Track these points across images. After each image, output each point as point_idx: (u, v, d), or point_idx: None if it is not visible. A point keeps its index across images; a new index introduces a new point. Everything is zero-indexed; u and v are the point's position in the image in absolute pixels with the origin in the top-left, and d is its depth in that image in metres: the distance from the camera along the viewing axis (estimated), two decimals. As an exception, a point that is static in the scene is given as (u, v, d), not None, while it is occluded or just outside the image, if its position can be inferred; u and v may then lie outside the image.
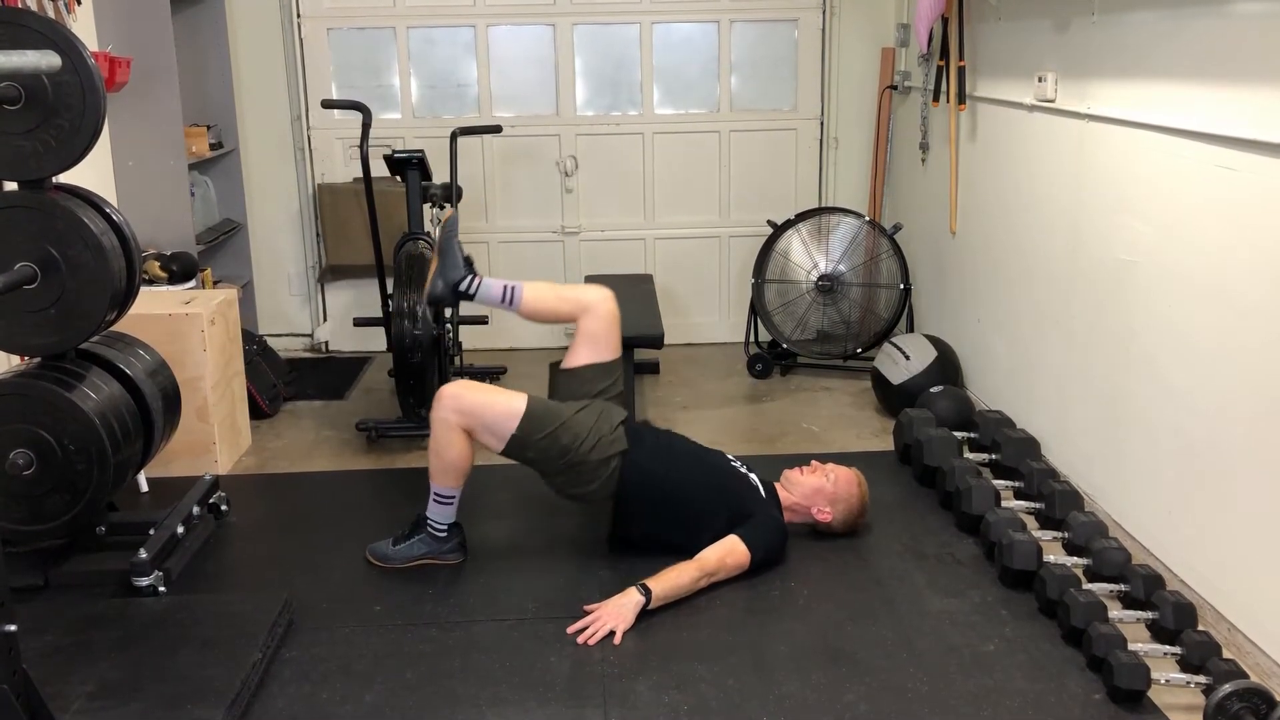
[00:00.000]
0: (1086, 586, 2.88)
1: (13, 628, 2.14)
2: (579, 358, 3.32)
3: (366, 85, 5.45)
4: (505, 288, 3.28)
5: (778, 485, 3.36)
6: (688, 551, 3.09)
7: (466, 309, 4.82)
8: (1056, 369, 3.78)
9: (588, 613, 2.92)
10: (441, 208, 4.61)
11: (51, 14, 3.95)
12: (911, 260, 5.12)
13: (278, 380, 4.77)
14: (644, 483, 3.16)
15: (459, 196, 4.59)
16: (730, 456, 3.40)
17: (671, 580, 2.97)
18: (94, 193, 3.12)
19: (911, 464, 3.89)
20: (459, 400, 3.08)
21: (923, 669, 2.69)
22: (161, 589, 3.06)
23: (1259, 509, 2.70)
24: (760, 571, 3.14)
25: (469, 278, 3.28)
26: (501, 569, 3.25)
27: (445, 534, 3.26)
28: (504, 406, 3.10)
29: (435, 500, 3.21)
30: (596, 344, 3.31)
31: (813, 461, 3.43)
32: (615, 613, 2.88)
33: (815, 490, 3.32)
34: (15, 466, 2.96)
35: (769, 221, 5.23)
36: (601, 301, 3.33)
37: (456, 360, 4.75)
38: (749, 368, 5.18)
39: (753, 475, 3.33)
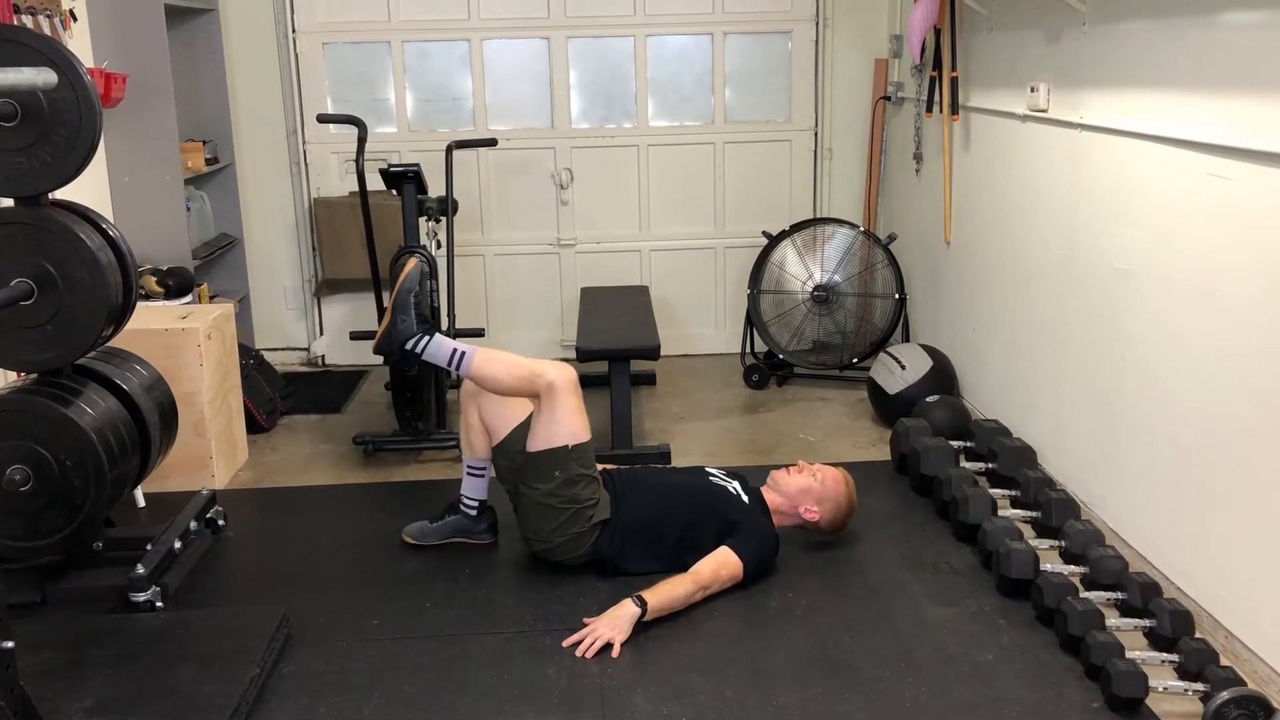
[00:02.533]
0: (1084, 595, 2.88)
1: (10, 644, 2.13)
2: (539, 440, 3.16)
3: (362, 99, 5.47)
4: (454, 352, 3.20)
5: (764, 489, 3.36)
6: (679, 571, 3.10)
7: (462, 320, 4.84)
8: (1052, 377, 3.79)
9: (585, 625, 2.92)
10: (437, 220, 4.62)
11: (47, 30, 3.96)
12: (906, 270, 5.13)
13: (274, 394, 4.77)
14: (625, 539, 3.19)
15: (455, 209, 4.60)
16: (709, 470, 3.40)
17: (667, 593, 2.97)
18: (90, 208, 3.13)
19: (908, 473, 3.90)
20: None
21: (920, 679, 2.69)
22: (159, 604, 3.05)
23: (1255, 516, 2.71)
24: (756, 582, 3.14)
25: (418, 337, 3.24)
26: (499, 582, 3.24)
27: (476, 512, 3.39)
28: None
29: (468, 473, 3.38)
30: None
31: (799, 462, 3.43)
32: (611, 625, 2.88)
33: (802, 490, 3.32)
34: (12, 483, 2.96)
35: (764, 232, 5.25)
36: (560, 378, 3.13)
37: (453, 373, 4.75)
38: (745, 378, 5.19)
39: (733, 484, 3.33)
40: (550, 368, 3.14)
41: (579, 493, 3.13)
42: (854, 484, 3.39)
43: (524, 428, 3.23)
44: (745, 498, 3.28)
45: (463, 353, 3.20)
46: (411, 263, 3.30)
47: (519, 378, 3.18)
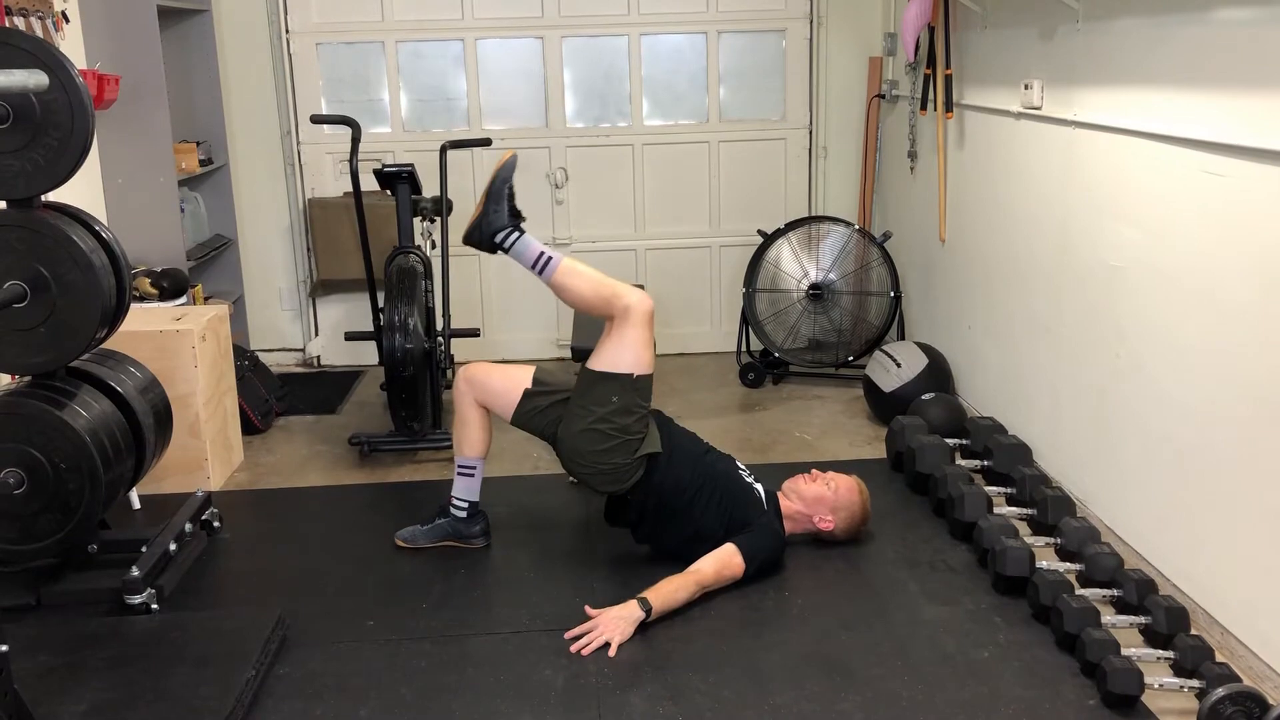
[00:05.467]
0: (1079, 592, 2.89)
1: (4, 648, 2.13)
2: (604, 361, 3.14)
3: (356, 100, 5.46)
4: (542, 254, 3.15)
5: (780, 495, 3.36)
6: (680, 555, 3.11)
7: (457, 320, 4.84)
8: (1047, 375, 3.79)
9: (589, 617, 2.92)
10: (432, 221, 4.61)
11: (40, 32, 3.95)
12: (901, 268, 5.13)
13: (270, 395, 4.77)
14: (663, 490, 3.16)
15: (449, 210, 4.59)
16: (739, 464, 3.39)
17: (669, 593, 2.98)
18: (83, 211, 3.12)
19: (904, 471, 3.90)
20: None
21: (917, 677, 2.69)
22: (154, 607, 3.05)
23: (1250, 512, 2.71)
24: (754, 581, 3.14)
25: (509, 230, 3.18)
26: (496, 582, 3.24)
27: (466, 514, 3.38)
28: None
29: (459, 473, 3.37)
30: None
31: (813, 470, 3.43)
32: (613, 625, 2.87)
33: (817, 499, 3.32)
34: (6, 486, 2.96)
35: (759, 231, 5.25)
36: (639, 304, 3.10)
37: (449, 373, 4.75)
38: (741, 377, 5.19)
39: (758, 486, 3.33)
40: (631, 292, 3.12)
41: (631, 424, 3.11)
42: (868, 492, 3.40)
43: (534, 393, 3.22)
44: (765, 502, 3.29)
45: (550, 257, 3.15)
46: (509, 154, 3.22)
47: (600, 295, 3.14)
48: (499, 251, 3.21)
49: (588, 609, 2.93)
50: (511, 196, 3.20)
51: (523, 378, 3.28)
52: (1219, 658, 2.65)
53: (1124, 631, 2.77)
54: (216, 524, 3.60)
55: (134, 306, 3.52)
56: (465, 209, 5.42)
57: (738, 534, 3.15)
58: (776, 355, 5.19)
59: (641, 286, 3.41)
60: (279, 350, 5.64)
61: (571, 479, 3.55)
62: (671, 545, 3.19)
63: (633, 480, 3.15)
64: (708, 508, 3.18)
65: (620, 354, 3.09)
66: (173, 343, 3.82)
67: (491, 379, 3.29)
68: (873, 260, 5.11)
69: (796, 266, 5.15)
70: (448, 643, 2.90)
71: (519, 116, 5.53)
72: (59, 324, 2.96)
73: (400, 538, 3.45)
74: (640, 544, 3.29)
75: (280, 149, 5.44)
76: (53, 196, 3.07)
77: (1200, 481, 2.91)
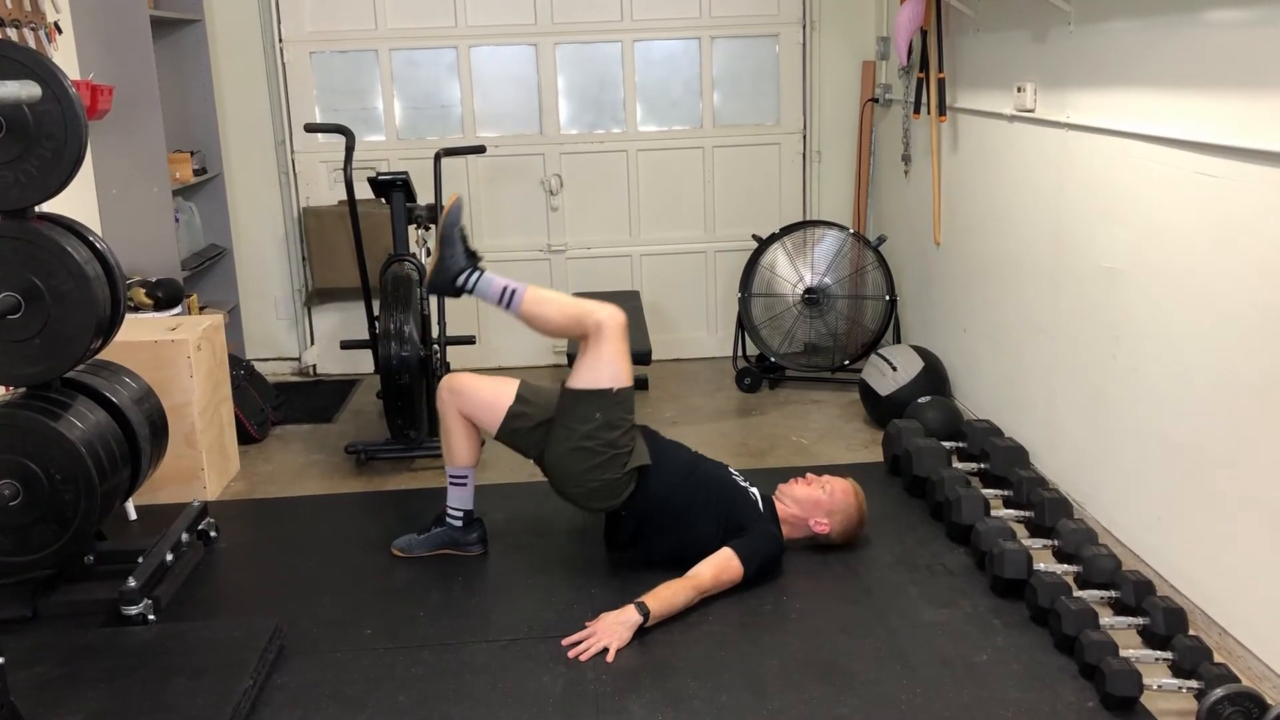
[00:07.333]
0: (1077, 594, 2.88)
1: (0, 659, 2.12)
2: (582, 379, 3.15)
3: (350, 108, 5.46)
4: (505, 289, 3.16)
5: (775, 499, 3.36)
6: (679, 562, 3.10)
7: (453, 327, 4.83)
8: (1043, 377, 3.79)
9: (585, 627, 2.91)
10: (427, 229, 4.61)
11: (32, 43, 3.95)
12: (897, 271, 5.14)
13: (265, 404, 4.76)
14: (657, 502, 3.17)
15: (444, 217, 4.59)
16: (731, 470, 3.40)
17: (668, 598, 2.97)
18: (77, 221, 3.12)
19: (901, 475, 3.90)
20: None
21: (916, 680, 2.69)
22: (151, 617, 3.04)
23: (1247, 512, 2.71)
24: (752, 585, 3.14)
25: (468, 272, 3.20)
26: (493, 589, 3.24)
27: (462, 523, 3.37)
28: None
29: (451, 484, 3.37)
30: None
31: (808, 474, 3.43)
32: (611, 630, 2.87)
33: (812, 502, 3.32)
34: (1, 497, 2.95)
35: (754, 236, 5.25)
36: (611, 319, 3.11)
37: (445, 381, 4.74)
38: (737, 382, 5.19)
39: (753, 490, 3.33)
40: (600, 308, 3.11)
41: (617, 438, 3.10)
42: (864, 495, 3.39)
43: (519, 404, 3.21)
44: (761, 505, 3.29)
45: (513, 290, 3.16)
46: (454, 197, 3.23)
47: (570, 316, 3.15)
48: (463, 294, 3.23)
49: (585, 624, 2.93)
50: (464, 238, 3.23)
51: (507, 392, 3.23)
52: (1217, 658, 2.66)
53: (1122, 633, 2.77)
54: (213, 534, 3.59)
55: (129, 317, 3.51)
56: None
57: (734, 537, 3.15)
58: (772, 360, 5.19)
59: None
60: (274, 359, 5.64)
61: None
62: (670, 554, 3.18)
63: (626, 494, 3.15)
64: (703, 513, 3.18)
65: (598, 370, 3.09)
66: (168, 353, 3.82)
67: (475, 391, 3.25)
68: (868, 264, 5.12)
69: (791, 271, 5.15)
70: (445, 650, 2.89)
71: (513, 123, 5.53)
72: (53, 335, 2.96)
73: (397, 547, 3.44)
74: (641, 559, 3.27)
75: (275, 158, 5.44)
76: (47, 207, 3.07)
77: (1197, 482, 2.91)
